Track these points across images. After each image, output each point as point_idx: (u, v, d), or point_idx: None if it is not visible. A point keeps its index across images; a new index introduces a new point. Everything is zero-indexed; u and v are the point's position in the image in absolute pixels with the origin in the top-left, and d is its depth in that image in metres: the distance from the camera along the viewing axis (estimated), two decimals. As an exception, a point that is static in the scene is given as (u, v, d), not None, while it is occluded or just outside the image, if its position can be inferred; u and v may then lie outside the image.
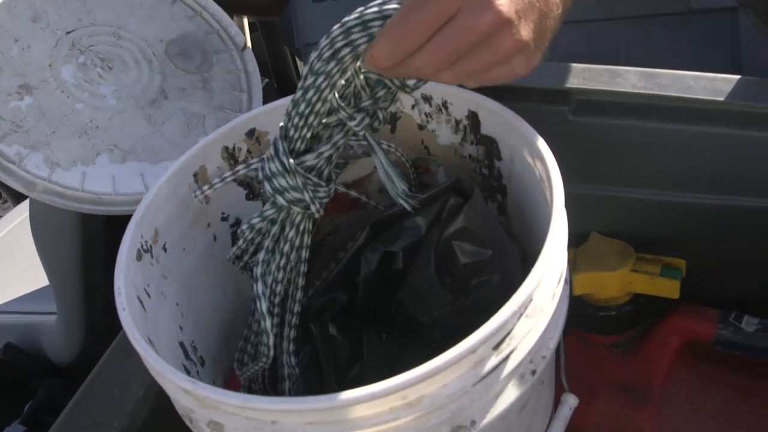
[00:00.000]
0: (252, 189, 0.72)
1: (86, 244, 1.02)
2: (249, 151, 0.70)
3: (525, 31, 0.51)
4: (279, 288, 0.62)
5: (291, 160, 0.57)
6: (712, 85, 0.66)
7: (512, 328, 0.50)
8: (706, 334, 0.72)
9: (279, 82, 1.36)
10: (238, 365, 0.67)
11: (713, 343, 0.72)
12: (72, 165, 0.79)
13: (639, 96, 0.66)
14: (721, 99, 0.65)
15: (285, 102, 0.70)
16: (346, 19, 0.54)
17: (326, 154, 0.58)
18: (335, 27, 0.55)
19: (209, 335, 0.69)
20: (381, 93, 0.58)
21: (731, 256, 0.75)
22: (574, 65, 0.69)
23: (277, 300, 0.62)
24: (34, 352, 1.18)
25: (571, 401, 0.65)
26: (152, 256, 0.63)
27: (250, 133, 0.70)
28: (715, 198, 0.70)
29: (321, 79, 0.55)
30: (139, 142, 0.83)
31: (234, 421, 0.50)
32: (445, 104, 0.67)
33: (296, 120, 0.57)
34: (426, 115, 0.69)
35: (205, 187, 0.67)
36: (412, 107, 0.69)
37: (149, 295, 0.61)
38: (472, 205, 0.63)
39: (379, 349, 0.65)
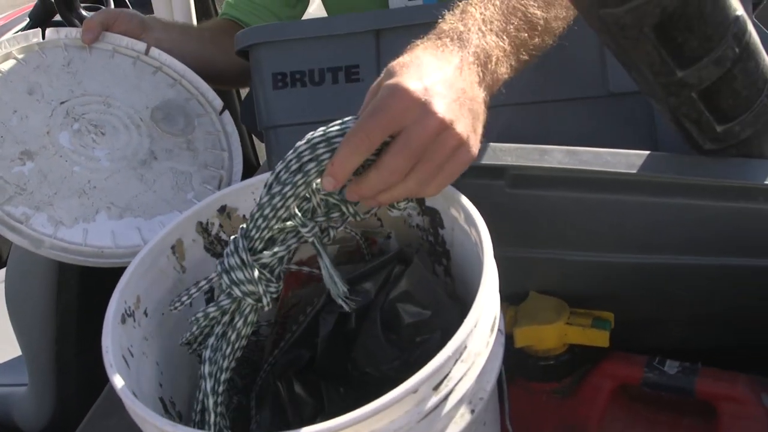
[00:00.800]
0: (224, 259, 0.80)
1: (60, 317, 1.09)
2: (221, 225, 0.78)
3: (462, 128, 0.61)
4: (224, 369, 0.67)
5: (249, 257, 0.65)
6: (626, 159, 0.75)
7: (449, 371, 0.58)
8: (634, 378, 0.80)
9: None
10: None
11: (641, 385, 0.79)
12: (74, 223, 0.87)
13: (564, 170, 0.76)
14: (634, 171, 0.74)
15: (252, 182, 0.79)
16: (311, 135, 0.64)
17: (280, 255, 0.66)
18: (301, 142, 0.64)
19: (186, 391, 0.75)
20: (335, 215, 0.67)
21: (652, 309, 0.84)
22: (509, 145, 0.79)
23: (222, 378, 0.67)
24: (3, 421, 1.22)
25: (513, 444, 0.73)
26: (135, 320, 0.70)
27: (222, 210, 0.78)
28: (634, 257, 0.79)
29: (287, 188, 0.63)
30: (133, 199, 0.91)
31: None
32: (394, 181, 0.76)
33: (259, 222, 0.65)
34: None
35: (184, 297, 0.72)
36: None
37: (132, 355, 0.68)
38: (411, 271, 0.72)
39: (338, 402, 0.72)
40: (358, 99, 0.99)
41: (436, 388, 0.57)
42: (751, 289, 0.80)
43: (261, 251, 0.65)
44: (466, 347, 0.59)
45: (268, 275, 0.66)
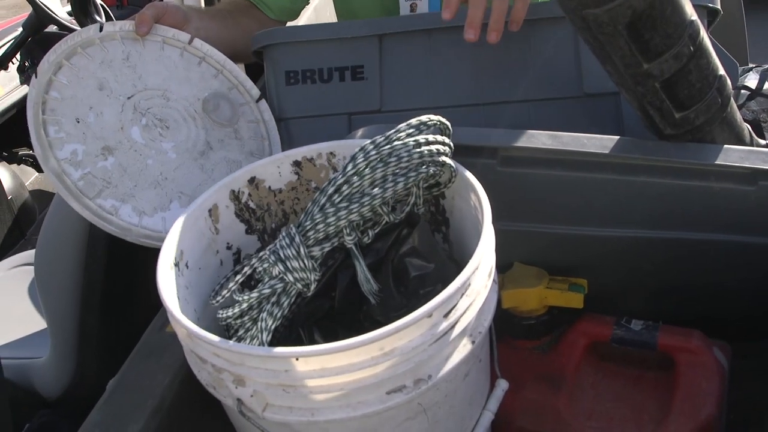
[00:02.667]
0: (250, 225, 0.91)
1: (86, 289, 1.18)
2: (249, 194, 0.90)
3: None
4: (264, 342, 0.76)
5: (305, 250, 0.76)
6: (600, 142, 0.89)
7: (456, 303, 0.69)
8: (605, 335, 0.92)
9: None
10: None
11: (611, 341, 0.92)
12: (154, 212, 0.97)
13: (548, 151, 0.89)
14: (607, 152, 0.87)
15: (277, 157, 0.90)
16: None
17: (326, 250, 0.78)
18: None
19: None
20: (377, 228, 0.80)
21: (620, 279, 0.96)
22: (500, 130, 0.92)
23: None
24: (24, 387, 1.30)
25: (503, 384, 0.85)
26: (179, 269, 0.81)
27: (251, 180, 0.89)
28: (605, 231, 0.92)
29: (354, 206, 0.75)
30: (198, 188, 1.00)
31: (255, 373, 0.67)
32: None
33: (320, 226, 0.76)
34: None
35: (224, 291, 0.80)
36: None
37: (178, 298, 0.78)
38: (419, 230, 0.84)
39: (353, 345, 0.84)
40: (362, 95, 1.12)
41: (446, 315, 0.68)
42: (703, 261, 0.93)
43: (311, 246, 0.76)
44: (469, 284, 0.71)
45: (315, 266, 0.77)
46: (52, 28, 2.84)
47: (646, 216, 0.91)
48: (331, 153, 0.90)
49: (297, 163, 0.90)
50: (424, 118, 0.78)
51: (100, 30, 1.01)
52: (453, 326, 0.70)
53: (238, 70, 1.10)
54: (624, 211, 0.91)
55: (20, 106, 2.83)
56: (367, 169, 0.75)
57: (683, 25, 0.75)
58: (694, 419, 0.85)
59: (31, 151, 3.22)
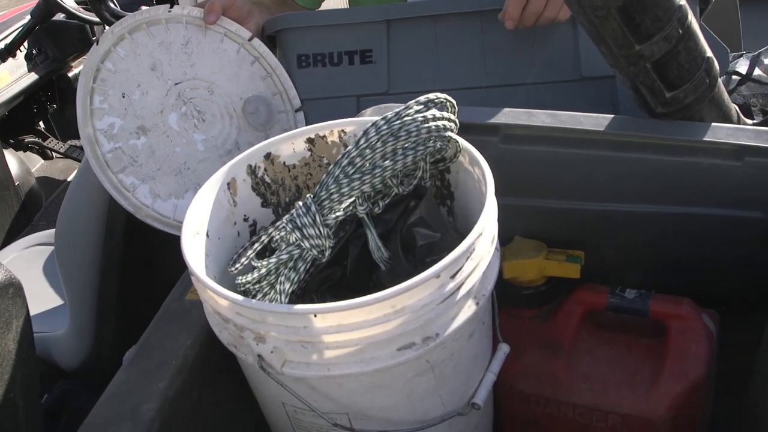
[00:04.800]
0: (266, 199, 0.97)
1: (105, 263, 1.23)
2: (265, 169, 0.95)
3: None
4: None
5: (321, 218, 0.81)
6: (596, 120, 0.94)
7: (462, 266, 0.75)
8: (600, 303, 0.98)
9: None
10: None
11: (606, 309, 0.98)
12: (168, 198, 1.02)
13: (547, 129, 0.94)
14: (602, 129, 0.93)
15: (293, 134, 0.96)
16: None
17: (340, 219, 0.83)
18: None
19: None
20: (387, 200, 0.85)
21: (614, 252, 1.02)
22: (503, 109, 0.97)
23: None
24: (43, 359, 1.36)
25: (504, 348, 0.90)
26: (200, 238, 0.86)
27: (267, 156, 0.95)
28: (600, 205, 0.97)
29: (366, 178, 0.80)
30: None
31: (276, 330, 0.73)
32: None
33: (334, 196, 0.81)
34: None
35: (243, 259, 0.86)
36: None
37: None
38: (425, 202, 0.89)
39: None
40: (371, 78, 1.17)
41: (452, 276, 0.74)
42: (692, 234, 0.99)
43: (326, 215, 0.82)
44: (474, 249, 0.76)
45: (330, 233, 0.82)
46: (60, 16, 2.89)
47: (639, 191, 0.96)
48: (342, 130, 0.95)
49: (310, 140, 0.95)
50: (431, 95, 0.83)
51: (170, 9, 1.03)
52: (459, 287, 0.75)
53: (287, 77, 1.11)
54: (618, 186, 0.96)
55: (27, 93, 2.87)
56: (379, 143, 0.80)
57: (672, 9, 0.80)
58: (685, 380, 0.91)
59: (37, 138, 3.26)
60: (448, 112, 0.85)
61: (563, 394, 0.97)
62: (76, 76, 3.15)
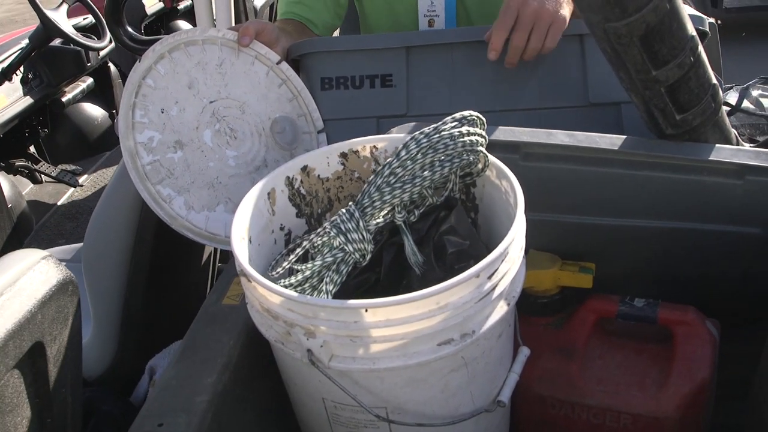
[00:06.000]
0: (300, 209, 1.02)
1: (132, 271, 1.27)
2: (301, 181, 1.01)
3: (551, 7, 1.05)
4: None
5: (364, 223, 0.88)
6: (610, 140, 1.02)
7: (498, 267, 0.81)
8: (611, 311, 1.05)
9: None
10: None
11: (617, 316, 1.04)
12: (201, 210, 1.07)
13: (565, 148, 1.02)
14: (615, 149, 1.00)
15: (327, 149, 1.02)
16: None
17: (380, 225, 0.90)
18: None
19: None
20: (422, 209, 0.92)
21: (623, 262, 1.09)
22: (523, 128, 1.04)
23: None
24: None
25: (525, 351, 0.96)
26: (245, 242, 0.91)
27: (304, 168, 1.01)
28: (614, 221, 1.05)
29: (407, 186, 0.88)
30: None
31: (327, 325, 0.78)
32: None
33: (377, 204, 0.88)
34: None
35: (284, 263, 0.90)
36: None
37: (247, 266, 0.89)
38: (456, 212, 0.96)
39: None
40: (391, 101, 1.24)
41: (489, 277, 0.80)
42: (696, 249, 1.06)
43: (368, 221, 0.88)
44: (508, 252, 0.83)
45: (371, 238, 0.89)
46: (57, 41, 2.94)
47: (647, 207, 1.04)
48: (374, 146, 1.02)
49: (343, 155, 1.02)
50: (465, 113, 0.90)
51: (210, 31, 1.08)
52: (494, 287, 0.81)
53: (311, 99, 1.17)
54: (628, 202, 1.04)
55: (22, 116, 2.89)
56: (419, 155, 0.87)
57: (686, 39, 0.88)
58: (691, 381, 0.98)
59: (27, 163, 3.28)
60: (478, 128, 0.92)
61: (578, 396, 1.03)
62: (70, 101, 3.19)
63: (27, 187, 3.32)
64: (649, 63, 0.88)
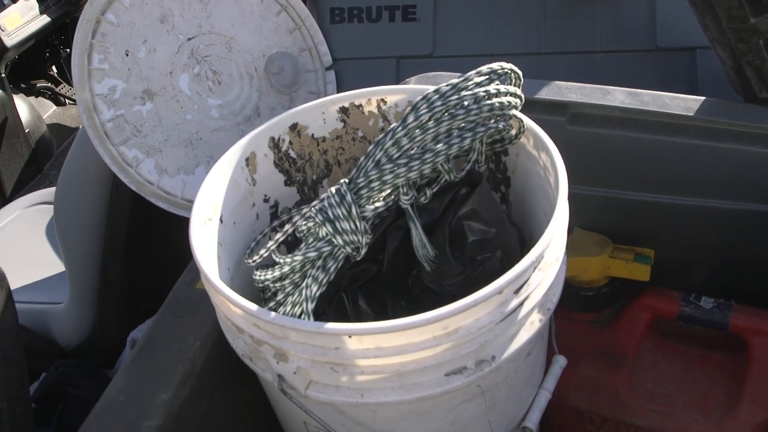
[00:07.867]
0: (290, 176, 0.83)
1: (110, 234, 1.11)
2: (290, 143, 0.82)
3: None
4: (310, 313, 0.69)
5: (357, 209, 0.67)
6: (685, 103, 0.80)
7: (529, 278, 0.62)
8: (671, 311, 0.85)
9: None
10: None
11: (677, 318, 0.85)
12: (176, 173, 0.89)
13: (625, 110, 0.80)
14: (691, 115, 0.79)
15: (323, 101, 0.82)
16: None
17: (380, 210, 0.69)
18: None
19: (252, 298, 0.79)
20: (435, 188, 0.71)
21: (692, 249, 0.89)
22: (572, 84, 0.83)
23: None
24: (40, 335, 1.25)
25: (561, 361, 0.78)
26: (213, 225, 0.73)
27: (293, 127, 0.81)
28: (681, 199, 0.84)
29: (415, 164, 0.67)
30: None
31: (301, 349, 0.60)
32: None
33: (374, 184, 0.67)
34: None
35: (262, 251, 0.72)
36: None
37: (211, 256, 0.71)
38: (480, 191, 0.75)
39: (400, 314, 0.76)
40: (413, 37, 1.03)
41: (517, 291, 0.61)
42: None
43: (363, 206, 0.68)
44: (543, 257, 0.63)
45: (367, 228, 0.68)
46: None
47: (725, 185, 0.83)
48: (382, 99, 0.82)
49: (344, 110, 0.82)
50: (495, 65, 0.69)
51: None
52: (522, 303, 0.62)
53: (317, 29, 0.98)
54: (701, 179, 0.83)
55: (39, 36, 2.74)
56: (431, 122, 0.66)
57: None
58: (769, 409, 0.79)
59: (49, 84, 3.14)
60: (512, 85, 0.71)
61: (623, 414, 0.85)
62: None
63: (50, 110, 3.19)
64: (747, 7, 0.65)
